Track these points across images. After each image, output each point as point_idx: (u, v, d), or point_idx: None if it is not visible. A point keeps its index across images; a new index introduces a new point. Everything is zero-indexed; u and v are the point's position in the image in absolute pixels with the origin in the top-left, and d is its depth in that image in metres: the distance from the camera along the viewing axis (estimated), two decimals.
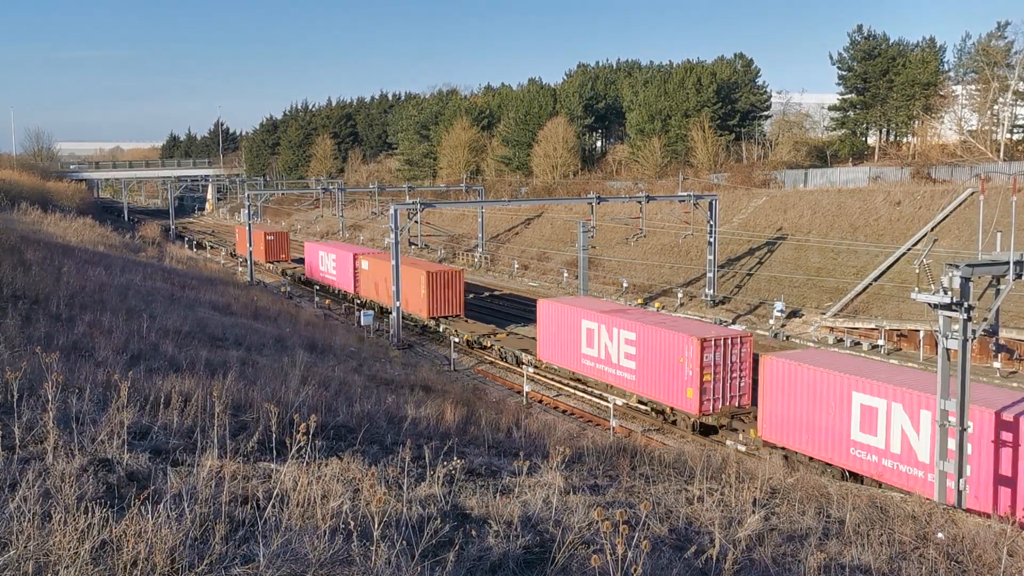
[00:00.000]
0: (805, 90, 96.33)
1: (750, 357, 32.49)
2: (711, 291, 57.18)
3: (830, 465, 26.24)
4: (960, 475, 20.76)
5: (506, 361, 43.81)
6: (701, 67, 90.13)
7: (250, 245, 78.01)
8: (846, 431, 25.74)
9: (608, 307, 40.87)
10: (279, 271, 79.01)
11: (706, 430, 32.27)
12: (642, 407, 35.07)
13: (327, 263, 68.40)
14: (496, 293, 67.04)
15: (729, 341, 32.15)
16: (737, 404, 32.04)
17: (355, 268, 62.77)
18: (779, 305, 51.61)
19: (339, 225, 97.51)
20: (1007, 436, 21.32)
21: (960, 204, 54.52)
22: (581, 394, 38.73)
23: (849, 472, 25.82)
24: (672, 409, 33.24)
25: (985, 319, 21.44)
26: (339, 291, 66.13)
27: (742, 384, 32.23)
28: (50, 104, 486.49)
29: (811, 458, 26.91)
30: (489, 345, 45.99)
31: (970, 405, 20.67)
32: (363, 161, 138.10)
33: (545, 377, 40.91)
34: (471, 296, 59.88)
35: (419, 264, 57.75)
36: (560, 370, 40.04)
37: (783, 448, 27.95)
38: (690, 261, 63.52)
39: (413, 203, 54.06)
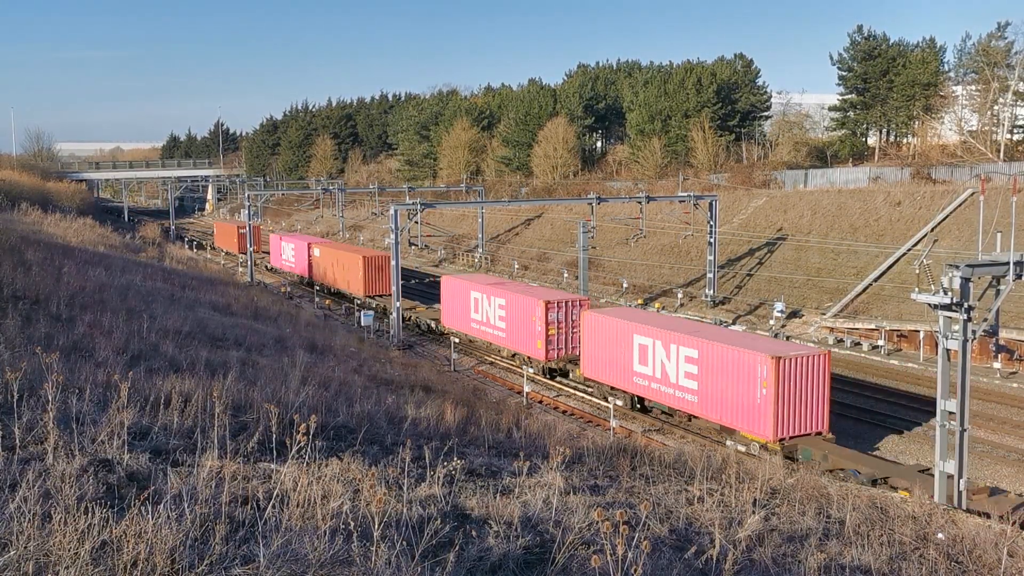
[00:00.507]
0: (805, 90, 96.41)
1: (567, 319, 41.57)
2: (711, 291, 57.19)
3: (625, 392, 35.19)
4: (961, 475, 20.78)
5: (420, 328, 52.05)
6: (701, 67, 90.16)
7: (250, 245, 78.24)
8: (630, 364, 34.45)
9: (490, 280, 51.15)
10: (190, 240, 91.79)
11: (552, 373, 41.58)
12: (514, 360, 44.39)
13: (287, 252, 76.74)
14: (434, 279, 72.43)
15: (568, 304, 41.17)
16: (575, 353, 40.22)
17: (309, 255, 71.15)
18: (779, 305, 51.61)
19: (339, 225, 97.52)
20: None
21: (960, 204, 54.53)
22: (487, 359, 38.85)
23: (637, 397, 34.88)
24: (529, 358, 42.03)
25: (985, 319, 21.46)
26: (297, 276, 74.83)
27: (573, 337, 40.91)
28: (50, 104, 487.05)
29: (612, 387, 35.50)
30: (408, 317, 54.37)
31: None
32: (363, 161, 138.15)
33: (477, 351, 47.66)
34: (413, 281, 69.05)
35: (358, 250, 67.93)
36: (457, 332, 48.67)
37: (597, 382, 37.10)
38: (690, 261, 63.52)
39: (413, 203, 54.10)
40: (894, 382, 39.71)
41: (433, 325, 52.13)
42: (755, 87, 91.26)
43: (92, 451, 9.14)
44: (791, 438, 28.95)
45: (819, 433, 29.33)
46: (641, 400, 35.15)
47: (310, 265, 70.97)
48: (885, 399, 37.13)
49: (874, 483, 24.66)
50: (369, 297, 60.44)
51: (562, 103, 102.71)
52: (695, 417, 32.56)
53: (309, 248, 71.36)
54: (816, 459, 27.43)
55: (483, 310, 45.97)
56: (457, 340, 47.21)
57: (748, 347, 30.32)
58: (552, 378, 41.47)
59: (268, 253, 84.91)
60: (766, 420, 28.67)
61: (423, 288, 68.27)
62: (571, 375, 40.20)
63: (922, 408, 34.26)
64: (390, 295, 57.01)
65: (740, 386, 29.66)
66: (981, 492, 23.52)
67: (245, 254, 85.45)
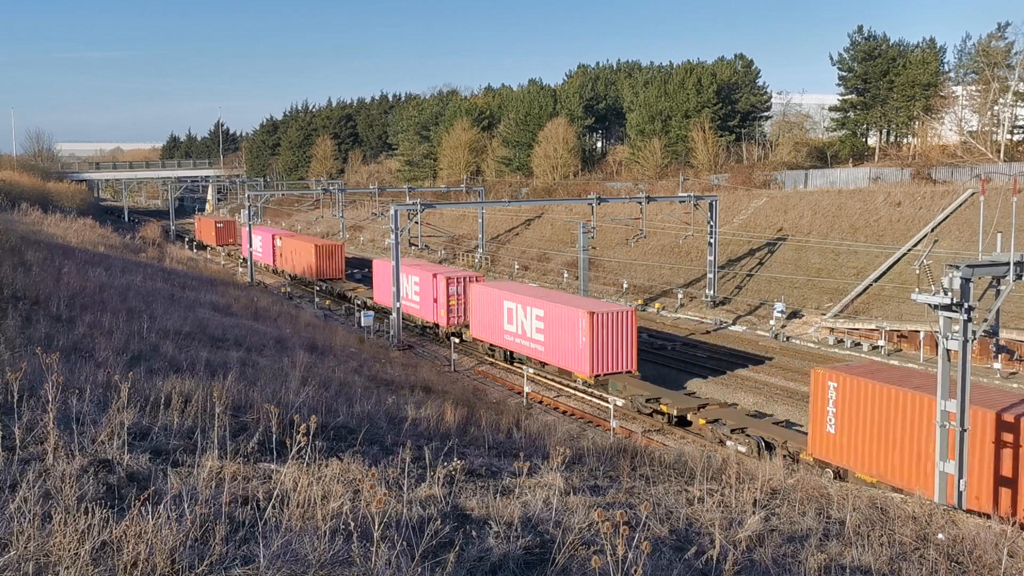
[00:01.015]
0: (805, 91, 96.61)
1: (464, 292, 50.02)
2: (711, 292, 57.19)
3: (499, 347, 44.99)
4: (961, 475, 20.77)
5: (347, 300, 56.16)
6: (701, 68, 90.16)
7: (251, 246, 78.48)
8: (501, 324, 44.32)
9: (413, 262, 59.20)
10: (226, 251, 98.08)
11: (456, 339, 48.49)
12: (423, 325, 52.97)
13: (255, 243, 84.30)
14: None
15: (462, 279, 50.13)
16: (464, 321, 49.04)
17: (274, 246, 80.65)
18: (779, 306, 51.59)
19: (339, 226, 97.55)
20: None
21: (960, 205, 54.53)
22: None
23: (508, 351, 44.42)
24: (427, 323, 52.26)
25: (985, 320, 21.45)
26: (264, 264, 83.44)
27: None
28: (51, 105, 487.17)
29: (492, 344, 45.56)
30: (351, 297, 62.63)
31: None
32: (363, 162, 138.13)
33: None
34: (366, 270, 73.90)
35: (312, 240, 77.91)
36: (379, 306, 57.31)
37: (481, 340, 46.60)
38: (690, 262, 63.52)
39: (413, 204, 54.09)
40: (721, 342, 49.22)
41: (363, 299, 53.93)
42: (755, 87, 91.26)
43: (92, 451, 9.14)
44: (604, 375, 37.68)
45: (628, 372, 38.10)
46: (511, 353, 44.32)
47: (274, 254, 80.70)
48: (709, 353, 46.71)
49: (647, 401, 34.73)
50: (320, 280, 68.97)
51: (562, 103, 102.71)
52: (545, 364, 41.05)
53: (273, 239, 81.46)
54: (620, 388, 36.29)
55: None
56: (345, 298, 53.09)
57: (574, 306, 39.63)
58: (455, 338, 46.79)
59: (240, 245, 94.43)
60: (585, 361, 37.79)
61: (368, 275, 69.08)
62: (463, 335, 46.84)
63: (731, 361, 44.89)
64: (340, 279, 70.08)
65: (569, 336, 38.84)
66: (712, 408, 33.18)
67: (223, 246, 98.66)
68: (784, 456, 27.87)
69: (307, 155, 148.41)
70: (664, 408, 33.98)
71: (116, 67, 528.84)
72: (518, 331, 42.82)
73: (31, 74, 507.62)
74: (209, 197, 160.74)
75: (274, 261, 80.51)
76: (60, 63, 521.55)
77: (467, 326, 48.74)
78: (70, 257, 40.26)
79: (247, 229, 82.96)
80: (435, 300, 50.75)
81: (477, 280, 50.03)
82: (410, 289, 53.43)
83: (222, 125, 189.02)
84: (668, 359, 45.84)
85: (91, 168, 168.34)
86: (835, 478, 24.45)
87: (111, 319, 23.05)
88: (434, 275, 50.84)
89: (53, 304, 23.51)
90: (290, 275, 75.87)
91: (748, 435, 30.28)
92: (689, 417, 33.17)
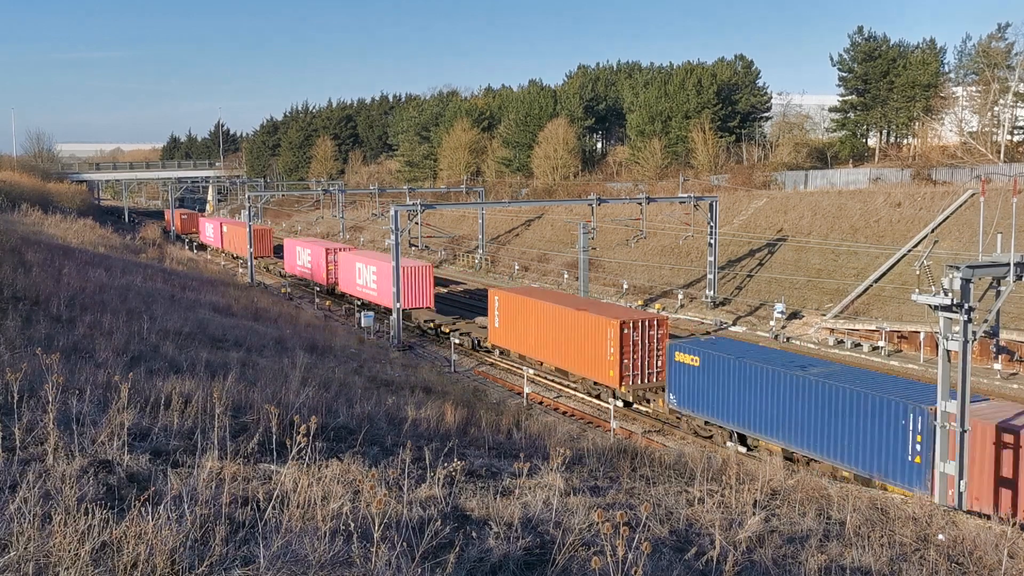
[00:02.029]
0: (805, 91, 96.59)
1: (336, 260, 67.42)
2: (711, 292, 57.19)
3: (354, 296, 62.38)
4: (962, 476, 20.76)
5: (464, 345, 52.67)
6: (701, 68, 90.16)
7: (251, 246, 78.52)
8: (355, 279, 61.64)
9: (330, 245, 72.24)
10: (188, 238, 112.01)
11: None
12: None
13: (208, 230, 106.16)
14: (471, 288, 78.75)
15: (336, 250, 67.00)
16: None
17: (222, 232, 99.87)
18: (779, 306, 51.57)
19: (339, 226, 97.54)
20: None
21: (961, 206, 54.53)
22: (572, 392, 38.81)
23: (359, 299, 61.34)
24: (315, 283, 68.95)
25: (986, 321, 21.44)
26: (214, 248, 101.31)
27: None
28: (51, 105, 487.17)
29: (352, 295, 62.47)
30: (271, 269, 79.22)
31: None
32: (363, 162, 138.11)
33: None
34: (445, 290, 75.43)
35: (239, 226, 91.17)
36: (308, 282, 72.19)
37: (347, 293, 63.85)
38: (690, 263, 63.52)
39: (413, 204, 54.08)
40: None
41: (479, 342, 48.46)
42: (755, 88, 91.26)
43: (92, 452, 9.14)
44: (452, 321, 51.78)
45: (428, 307, 55.08)
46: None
47: (222, 239, 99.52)
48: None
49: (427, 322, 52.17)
50: (256, 258, 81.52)
51: (562, 104, 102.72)
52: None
53: (221, 226, 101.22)
54: (419, 321, 52.92)
55: (364, 275, 57.12)
56: (267, 269, 59.43)
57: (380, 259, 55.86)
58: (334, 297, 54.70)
59: (199, 232, 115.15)
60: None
61: (459, 299, 66.39)
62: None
63: None
64: (268, 256, 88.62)
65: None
66: None
67: (186, 234, 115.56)
68: (475, 342, 48.18)
69: (307, 156, 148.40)
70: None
71: (116, 67, 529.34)
72: (362, 284, 61.13)
73: (31, 74, 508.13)
74: (209, 198, 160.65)
75: (221, 244, 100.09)
76: (60, 63, 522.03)
77: (337, 284, 66.96)
78: (70, 258, 40.26)
79: (202, 219, 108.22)
80: (317, 265, 69.49)
81: (347, 251, 68.35)
82: (305, 259, 73.33)
83: (222, 126, 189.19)
84: None
85: (91, 169, 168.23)
86: (500, 354, 45.81)
87: (111, 320, 23.05)
88: (325, 249, 69.01)
89: (53, 305, 23.52)
90: (232, 255, 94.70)
91: (462, 332, 49.03)
92: (444, 328, 50.68)
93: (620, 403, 35.88)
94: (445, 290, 69.17)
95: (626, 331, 35.55)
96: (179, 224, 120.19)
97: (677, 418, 33.71)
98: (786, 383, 28.09)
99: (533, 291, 49.56)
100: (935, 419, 21.37)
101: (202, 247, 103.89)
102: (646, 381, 35.89)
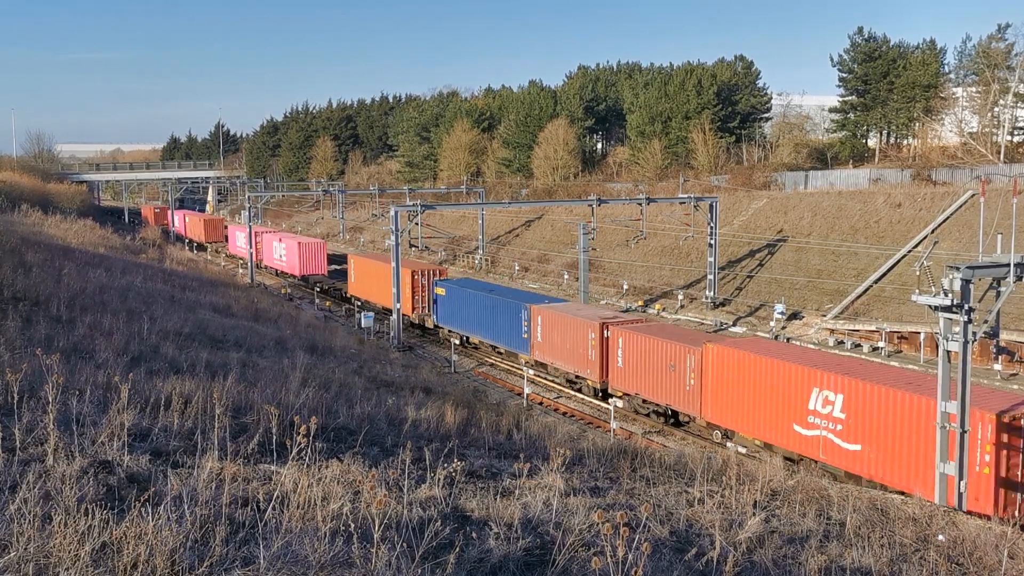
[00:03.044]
0: (805, 92, 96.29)
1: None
2: (712, 293, 57.18)
3: (271, 267, 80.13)
4: (962, 477, 20.76)
5: (227, 255, 76.46)
6: (701, 69, 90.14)
7: (251, 247, 78.63)
8: (272, 254, 77.59)
9: (258, 229, 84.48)
10: (161, 228, 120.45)
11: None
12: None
13: (177, 220, 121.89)
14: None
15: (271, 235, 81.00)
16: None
17: (184, 223, 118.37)
18: (779, 307, 51.57)
19: (340, 227, 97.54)
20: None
21: (961, 206, 54.52)
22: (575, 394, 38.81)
23: (275, 269, 79.32)
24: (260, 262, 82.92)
25: (986, 321, 21.44)
26: (178, 233, 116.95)
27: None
28: (51, 106, 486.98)
29: (271, 266, 79.91)
30: (218, 249, 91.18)
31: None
32: (364, 163, 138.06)
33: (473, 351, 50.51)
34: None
35: (202, 216, 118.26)
36: (243, 259, 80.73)
37: (267, 265, 78.08)
38: (691, 263, 63.51)
39: (414, 205, 54.07)
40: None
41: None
42: (755, 89, 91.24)
43: (92, 452, 9.14)
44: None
45: (323, 274, 70.44)
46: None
47: (184, 228, 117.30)
48: None
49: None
50: (209, 242, 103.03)
51: (562, 105, 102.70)
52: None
53: (184, 217, 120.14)
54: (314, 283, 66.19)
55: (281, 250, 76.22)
56: (202, 249, 61.53)
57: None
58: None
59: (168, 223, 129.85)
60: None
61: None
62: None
63: None
64: (221, 241, 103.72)
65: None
66: None
67: (159, 225, 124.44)
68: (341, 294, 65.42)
69: (307, 156, 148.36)
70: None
71: (116, 68, 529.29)
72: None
73: (31, 75, 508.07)
74: (209, 198, 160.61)
75: (185, 232, 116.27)
76: (60, 64, 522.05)
77: (262, 259, 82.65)
78: (70, 258, 40.26)
79: (171, 212, 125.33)
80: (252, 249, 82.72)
81: (268, 232, 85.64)
82: (241, 242, 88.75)
83: (222, 126, 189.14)
84: None
85: (91, 169, 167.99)
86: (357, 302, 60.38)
87: (111, 320, 23.05)
88: (255, 232, 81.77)
89: (53, 305, 23.51)
90: (191, 240, 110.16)
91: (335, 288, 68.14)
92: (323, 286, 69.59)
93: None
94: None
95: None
96: (152, 217, 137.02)
97: (437, 327, 51.80)
98: (481, 302, 46.92)
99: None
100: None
101: (179, 238, 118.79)
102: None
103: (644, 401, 34.31)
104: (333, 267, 79.58)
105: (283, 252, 78.21)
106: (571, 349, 38.48)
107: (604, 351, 36.12)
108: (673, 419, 33.64)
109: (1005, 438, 21.32)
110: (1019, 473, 21.35)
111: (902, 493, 23.14)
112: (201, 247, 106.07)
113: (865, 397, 24.72)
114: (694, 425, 32.46)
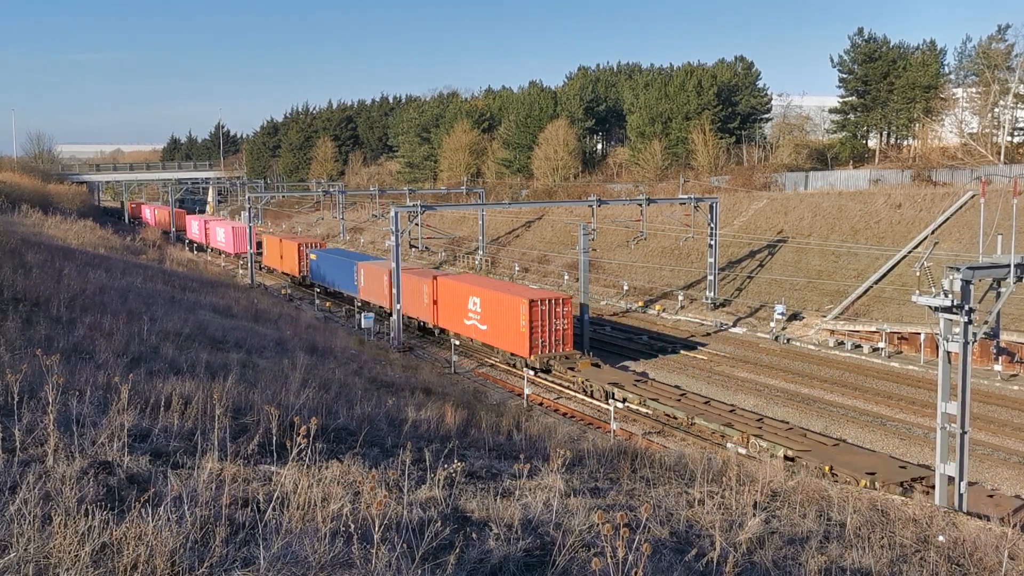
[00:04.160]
0: (806, 93, 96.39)
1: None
2: (712, 294, 57.19)
3: (216, 248, 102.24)
4: (962, 478, 20.76)
5: (189, 242, 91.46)
6: (702, 70, 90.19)
7: (251, 247, 78.67)
8: (216, 238, 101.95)
9: (207, 219, 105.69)
10: (137, 221, 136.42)
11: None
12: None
13: (148, 213, 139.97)
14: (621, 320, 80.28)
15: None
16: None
17: (154, 215, 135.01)
18: (780, 308, 51.58)
19: (340, 227, 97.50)
20: None
21: (961, 207, 54.54)
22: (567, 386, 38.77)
23: (218, 249, 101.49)
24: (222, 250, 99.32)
25: (986, 322, 21.45)
26: (147, 222, 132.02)
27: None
28: (51, 107, 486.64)
29: (216, 248, 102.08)
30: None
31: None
32: (364, 164, 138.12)
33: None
34: (607, 328, 59.26)
35: (166, 208, 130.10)
36: (200, 244, 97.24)
37: (213, 247, 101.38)
38: (691, 264, 63.52)
39: (414, 205, 54.07)
40: (720, 343, 40.01)
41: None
42: (756, 89, 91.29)
43: (92, 453, 9.14)
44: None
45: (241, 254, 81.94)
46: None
47: (154, 219, 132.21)
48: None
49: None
50: (176, 230, 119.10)
51: (563, 105, 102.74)
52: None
53: (153, 211, 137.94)
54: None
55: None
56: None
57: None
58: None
59: (141, 217, 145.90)
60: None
61: (613, 337, 52.56)
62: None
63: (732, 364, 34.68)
64: (183, 230, 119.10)
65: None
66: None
67: (135, 219, 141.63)
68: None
69: (307, 157, 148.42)
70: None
71: (116, 69, 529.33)
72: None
73: (32, 76, 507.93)
74: (209, 199, 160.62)
75: (154, 223, 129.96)
76: (61, 65, 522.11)
77: (209, 243, 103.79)
78: (70, 259, 40.26)
79: (144, 206, 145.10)
80: (201, 232, 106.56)
81: (213, 220, 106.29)
82: (195, 229, 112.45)
83: (222, 127, 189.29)
84: (673, 364, 45.87)
85: (91, 170, 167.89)
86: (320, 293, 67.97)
87: (111, 321, 23.04)
88: (204, 221, 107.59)
89: (53, 306, 23.51)
90: (161, 230, 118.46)
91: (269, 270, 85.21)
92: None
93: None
94: None
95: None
96: (130, 211, 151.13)
97: (311, 284, 70.78)
98: (333, 262, 67.28)
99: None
100: (357, 267, 47.85)
101: (140, 222, 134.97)
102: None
103: (410, 318, 53.35)
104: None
105: (222, 236, 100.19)
106: (377, 289, 57.55)
107: (390, 288, 52.64)
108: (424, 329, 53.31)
109: None
110: None
111: (512, 355, 44.13)
112: (201, 248, 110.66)
113: (489, 299, 45.38)
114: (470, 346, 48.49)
